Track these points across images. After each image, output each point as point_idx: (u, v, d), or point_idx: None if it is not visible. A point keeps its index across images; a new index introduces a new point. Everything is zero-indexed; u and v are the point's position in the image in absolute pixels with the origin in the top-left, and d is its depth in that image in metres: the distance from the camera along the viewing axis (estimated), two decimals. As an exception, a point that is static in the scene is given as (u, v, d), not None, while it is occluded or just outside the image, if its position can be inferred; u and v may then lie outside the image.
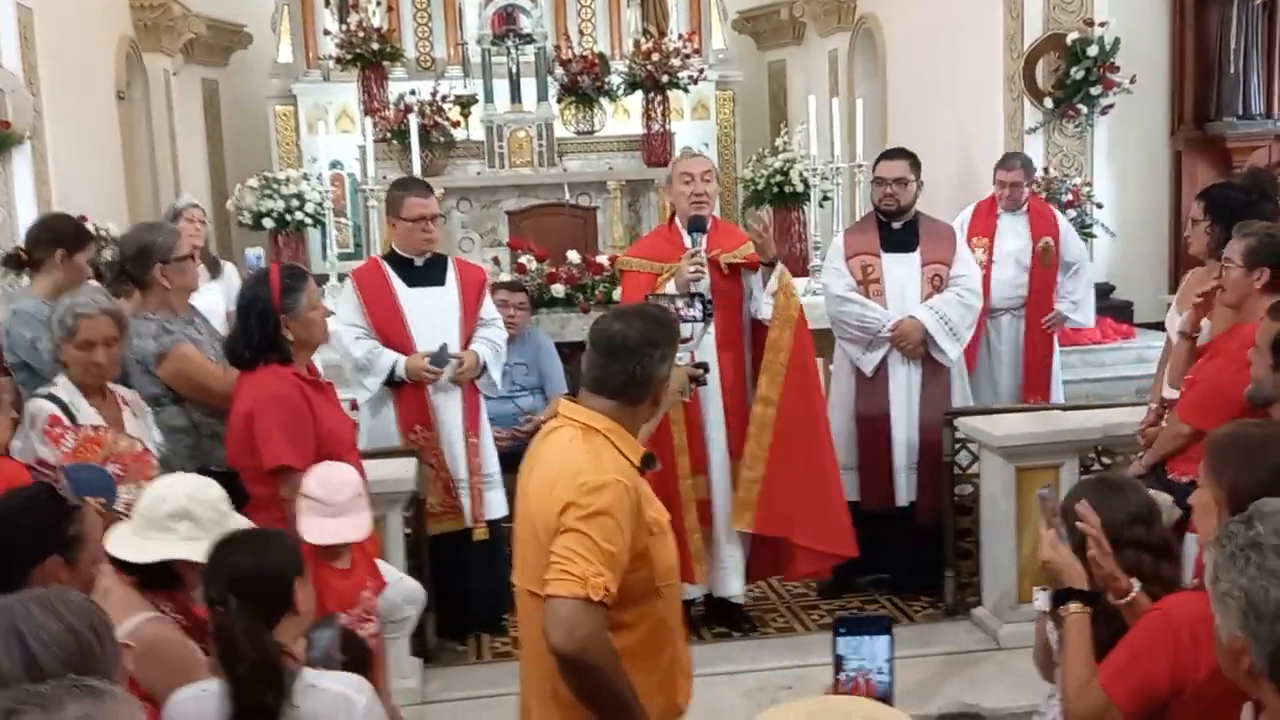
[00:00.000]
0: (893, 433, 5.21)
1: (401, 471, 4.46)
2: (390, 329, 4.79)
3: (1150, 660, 2.49)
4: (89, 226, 8.80)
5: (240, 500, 3.68)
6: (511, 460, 5.85)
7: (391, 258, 4.91)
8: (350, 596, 3.42)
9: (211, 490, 3.04)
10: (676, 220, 4.96)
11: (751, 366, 4.90)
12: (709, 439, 4.83)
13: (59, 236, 4.17)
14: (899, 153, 5.64)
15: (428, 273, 4.88)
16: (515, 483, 6.13)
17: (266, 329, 3.67)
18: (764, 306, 4.79)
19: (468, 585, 4.95)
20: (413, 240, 4.81)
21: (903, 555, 5.28)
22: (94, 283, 4.07)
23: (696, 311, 4.41)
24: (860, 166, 8.67)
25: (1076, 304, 6.31)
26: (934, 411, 5.19)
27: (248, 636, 2.54)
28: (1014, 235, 6.96)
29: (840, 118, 10.53)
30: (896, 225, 5.35)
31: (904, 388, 5.23)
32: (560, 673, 2.68)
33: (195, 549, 2.82)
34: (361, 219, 12.24)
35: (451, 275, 4.95)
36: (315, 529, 3.37)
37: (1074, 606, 2.73)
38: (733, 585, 4.91)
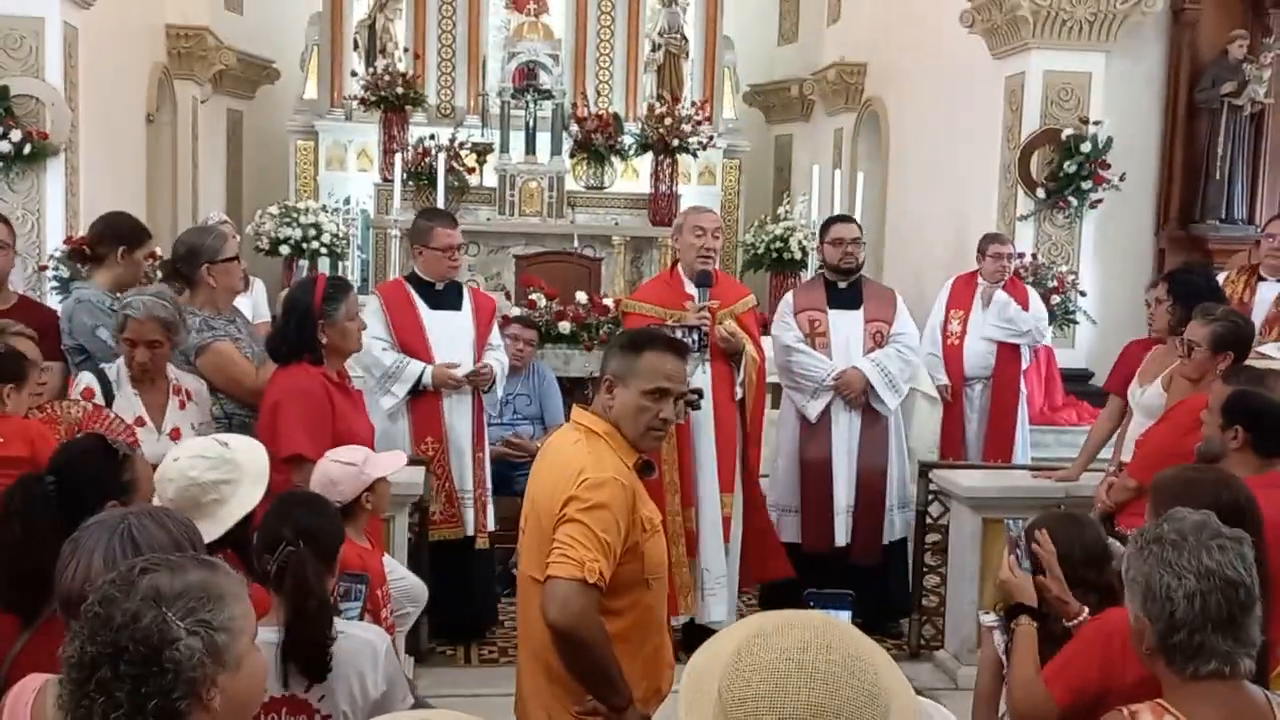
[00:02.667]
0: (834, 477, 5.57)
1: (411, 478, 4.77)
2: (413, 345, 5.14)
3: (1084, 661, 2.81)
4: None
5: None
6: (498, 482, 6.17)
7: (413, 279, 5.26)
8: (380, 573, 3.72)
9: (195, 450, 3.21)
10: (679, 268, 5.33)
11: (741, 413, 5.25)
12: (699, 470, 5.14)
13: (120, 233, 4.50)
14: (850, 218, 6.11)
15: (446, 297, 5.23)
16: (499, 508, 6.50)
17: (305, 329, 4.00)
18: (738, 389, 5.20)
19: (461, 591, 5.24)
20: (438, 267, 5.17)
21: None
22: (162, 286, 4.38)
23: (692, 342, 4.77)
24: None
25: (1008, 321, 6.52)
26: (873, 457, 5.57)
27: (317, 578, 2.87)
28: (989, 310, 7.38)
29: (842, 189, 10.95)
30: (843, 285, 5.75)
31: (845, 434, 5.61)
32: (554, 646, 2.99)
33: (237, 505, 3.14)
34: (372, 254, 12.65)
35: (467, 302, 5.31)
36: (375, 464, 3.66)
37: (1024, 620, 3.06)
38: (716, 611, 5.20)
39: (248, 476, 3.17)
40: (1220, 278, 7.59)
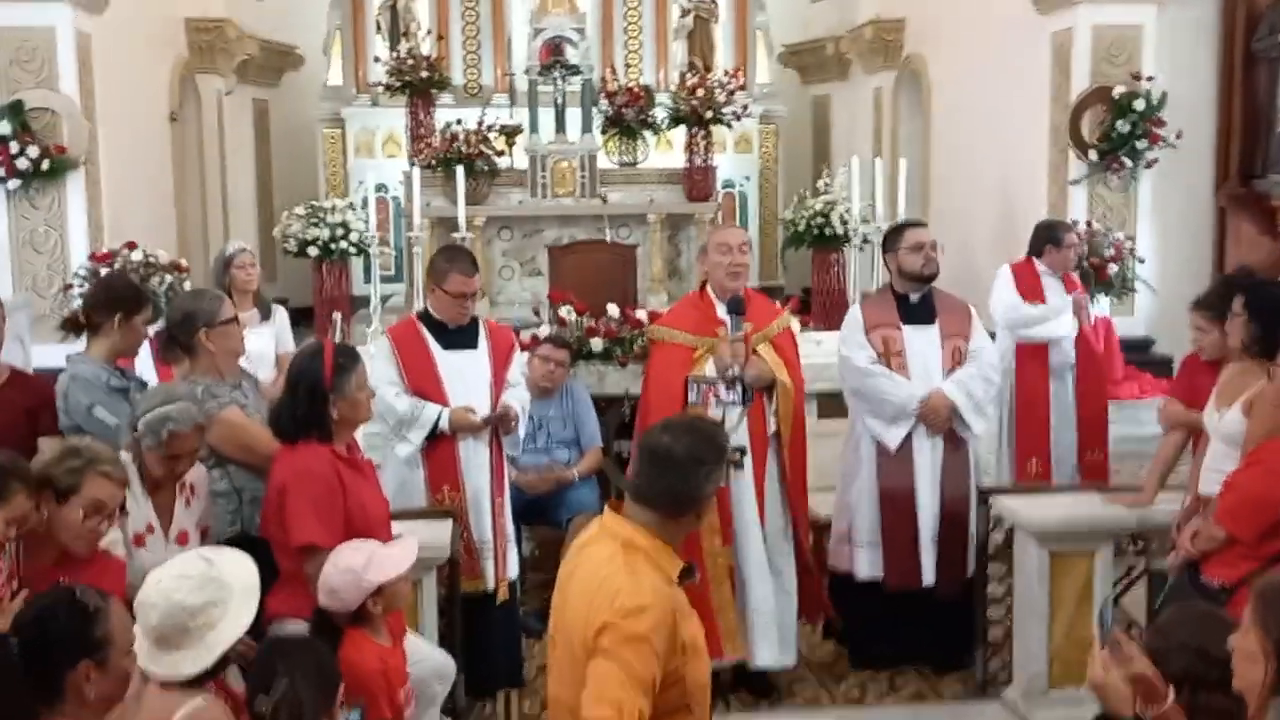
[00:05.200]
0: (919, 509, 5.18)
1: (438, 536, 4.52)
2: (427, 388, 4.86)
3: None
4: (137, 253, 9.06)
5: (272, 571, 3.75)
6: (534, 511, 5.93)
7: (426, 318, 4.98)
8: (401, 672, 3.50)
9: (177, 570, 2.97)
10: (709, 289, 4.99)
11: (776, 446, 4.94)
12: (740, 507, 4.84)
13: (118, 299, 4.25)
14: (921, 222, 5.72)
15: (461, 336, 4.95)
16: (536, 537, 6.26)
17: (314, 404, 3.74)
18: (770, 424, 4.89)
19: (489, 643, 5.01)
20: (450, 312, 4.89)
21: (927, 631, 5.26)
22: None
23: (735, 396, 4.46)
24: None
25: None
26: (956, 486, 5.17)
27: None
28: (1058, 297, 6.97)
29: (883, 169, 10.53)
30: (914, 298, 5.32)
31: (929, 463, 5.18)
32: None
33: (228, 628, 2.89)
34: (404, 245, 12.40)
35: (483, 339, 5.02)
36: (380, 566, 3.42)
37: None
38: (764, 656, 4.92)
39: (236, 595, 2.93)
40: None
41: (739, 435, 4.54)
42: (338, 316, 8.70)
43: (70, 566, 3.38)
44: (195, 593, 2.87)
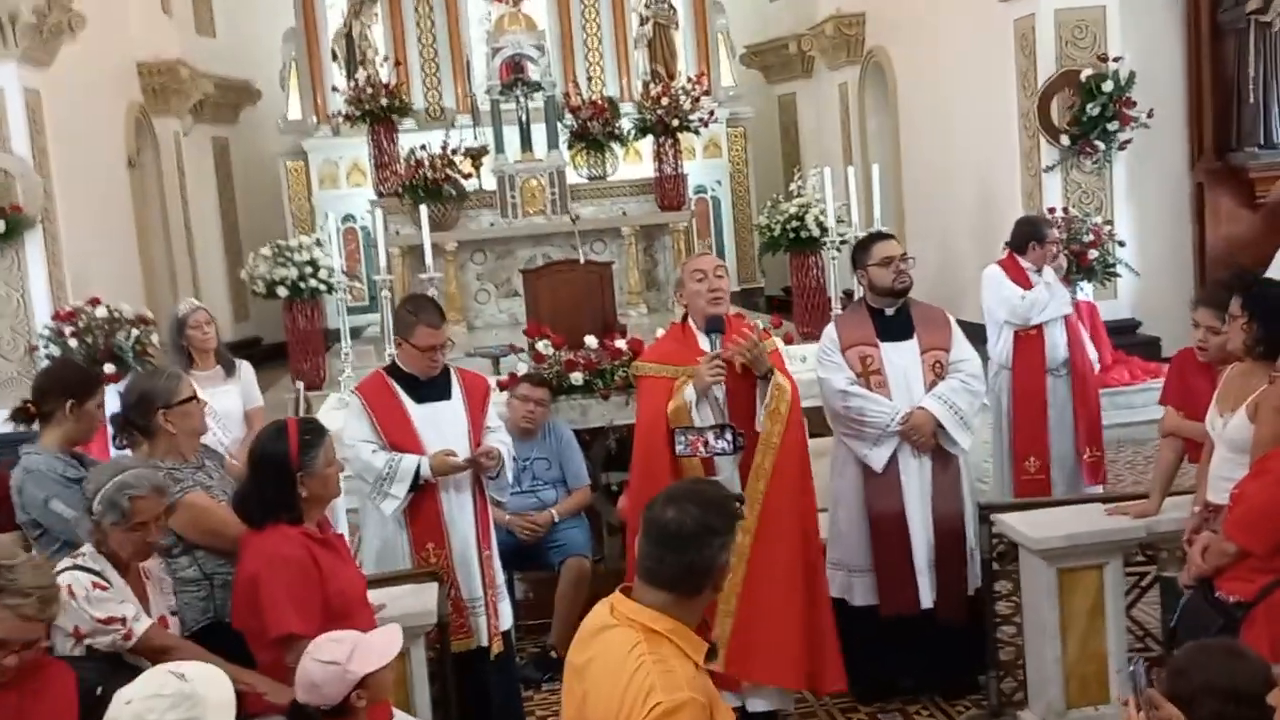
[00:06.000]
0: (911, 531, 4.98)
1: (424, 602, 4.33)
2: (404, 443, 4.66)
3: None
4: (101, 309, 8.85)
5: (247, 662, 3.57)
6: (525, 555, 5.76)
7: (394, 371, 4.79)
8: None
9: (149, 689, 2.74)
10: (690, 321, 4.80)
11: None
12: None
13: (67, 386, 4.04)
14: (889, 234, 5.52)
15: (433, 388, 4.76)
16: (528, 580, 6.07)
17: (282, 486, 3.56)
18: (760, 422, 4.59)
19: (487, 701, 4.81)
20: (419, 365, 4.69)
21: (929, 657, 5.08)
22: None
23: (726, 443, 4.26)
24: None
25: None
26: (949, 504, 4.97)
27: None
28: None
29: (856, 174, 10.39)
30: (890, 312, 5.12)
31: (917, 482, 4.97)
32: None
33: None
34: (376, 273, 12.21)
35: (456, 388, 4.82)
36: (364, 656, 3.22)
37: None
38: (760, 701, 4.72)
39: (211, 711, 2.74)
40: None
41: (732, 484, 4.37)
42: (299, 386, 8.51)
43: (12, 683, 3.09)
44: (170, 712, 2.69)
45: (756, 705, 4.65)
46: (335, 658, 3.15)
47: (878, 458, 4.98)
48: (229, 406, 5.98)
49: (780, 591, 4.56)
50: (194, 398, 3.95)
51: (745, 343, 4.54)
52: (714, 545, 2.67)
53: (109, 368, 8.40)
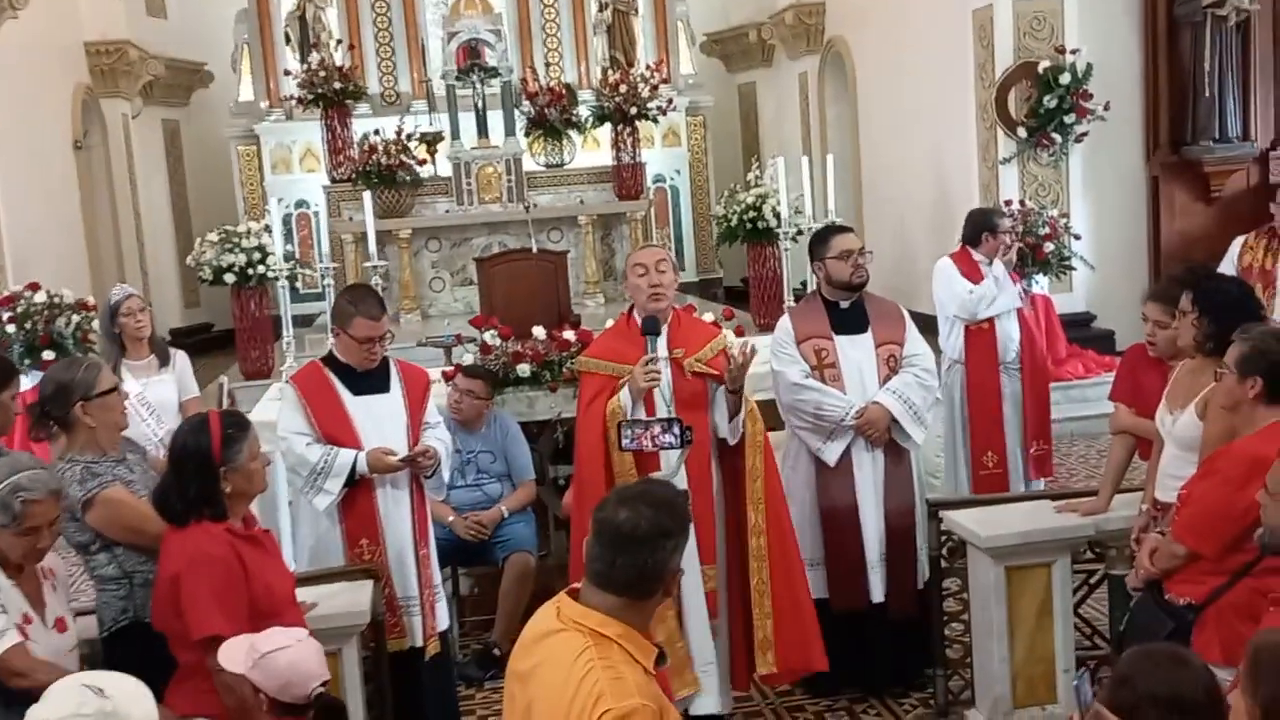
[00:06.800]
0: (863, 525, 4.92)
1: (355, 602, 4.20)
2: (340, 436, 4.52)
3: None
4: (40, 295, 8.64)
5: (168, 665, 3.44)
6: (469, 551, 5.64)
7: (332, 361, 4.64)
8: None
9: (67, 708, 2.59)
10: (635, 314, 4.69)
11: (719, 472, 4.63)
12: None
13: (-21, 375, 3.89)
14: (848, 227, 5.44)
15: (371, 380, 4.61)
16: (472, 583, 5.96)
17: (205, 481, 3.42)
18: (727, 431, 4.51)
19: (422, 702, 4.69)
20: (355, 357, 4.55)
21: (877, 652, 5.02)
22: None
23: (673, 438, 4.16)
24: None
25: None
26: (901, 499, 4.92)
27: None
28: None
29: (813, 165, 10.32)
30: (845, 305, 5.05)
31: (870, 477, 4.92)
32: None
33: None
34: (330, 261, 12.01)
35: (395, 381, 4.68)
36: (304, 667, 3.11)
37: None
38: (705, 704, 4.63)
39: None
40: (1237, 244, 7.02)
41: (679, 479, 4.27)
42: (224, 379, 8.33)
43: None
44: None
45: (700, 707, 4.56)
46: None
47: (831, 452, 4.93)
48: (164, 397, 5.80)
49: (799, 579, 4.59)
50: (115, 389, 3.80)
51: (734, 368, 4.43)
52: (666, 548, 2.59)
53: (48, 354, 8.20)
